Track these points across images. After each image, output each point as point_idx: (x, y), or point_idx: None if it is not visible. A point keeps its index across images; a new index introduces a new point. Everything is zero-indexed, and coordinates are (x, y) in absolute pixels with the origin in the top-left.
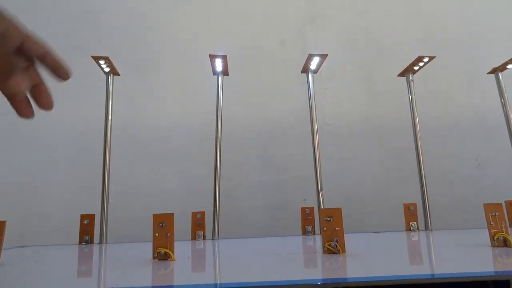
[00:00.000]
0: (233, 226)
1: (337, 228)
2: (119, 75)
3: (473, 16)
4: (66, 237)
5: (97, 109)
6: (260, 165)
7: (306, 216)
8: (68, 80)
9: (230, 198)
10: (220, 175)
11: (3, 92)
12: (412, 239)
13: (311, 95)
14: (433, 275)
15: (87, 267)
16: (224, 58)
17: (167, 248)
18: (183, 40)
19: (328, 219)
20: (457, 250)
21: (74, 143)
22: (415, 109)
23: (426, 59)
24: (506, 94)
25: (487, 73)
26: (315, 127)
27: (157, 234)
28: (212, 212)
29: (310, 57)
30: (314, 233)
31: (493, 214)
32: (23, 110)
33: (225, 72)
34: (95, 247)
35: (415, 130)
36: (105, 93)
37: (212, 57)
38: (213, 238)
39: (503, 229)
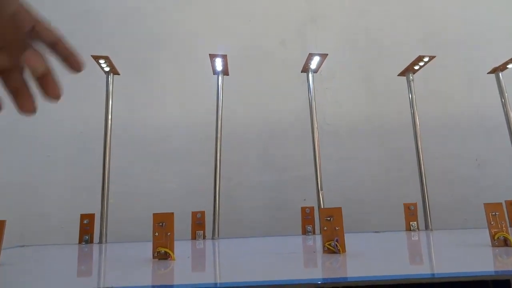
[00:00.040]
0: (233, 225)
1: (337, 228)
2: (119, 74)
3: (473, 16)
4: (66, 236)
5: (97, 109)
6: (260, 165)
7: (306, 215)
8: (68, 80)
9: (230, 198)
10: (220, 175)
11: (6, 86)
12: (412, 239)
13: (311, 94)
14: (433, 274)
15: (87, 266)
16: (224, 57)
17: (167, 248)
18: (183, 40)
19: (328, 218)
20: (457, 250)
21: (74, 143)
22: (415, 109)
23: (426, 59)
24: (506, 94)
25: (488, 73)
26: (315, 127)
27: (157, 234)
28: (212, 212)
29: (310, 56)
30: (314, 232)
31: (494, 213)
32: (25, 104)
33: (225, 72)
34: (95, 247)
35: (415, 130)
36: (105, 93)
37: (212, 57)
38: (213, 238)
39: (504, 228)
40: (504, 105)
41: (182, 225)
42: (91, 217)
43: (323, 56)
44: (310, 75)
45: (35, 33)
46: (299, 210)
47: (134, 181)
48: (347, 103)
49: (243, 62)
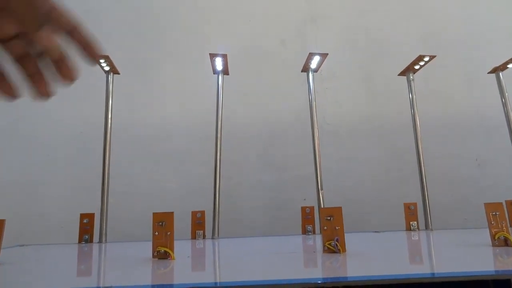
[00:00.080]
0: (233, 225)
1: (337, 227)
2: (119, 74)
3: (473, 16)
4: (66, 236)
5: (97, 108)
6: (260, 164)
7: (306, 215)
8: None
9: (230, 197)
10: (220, 175)
11: (23, 72)
12: (412, 238)
13: (311, 94)
14: (433, 274)
15: (87, 266)
16: (224, 57)
17: (167, 247)
18: (183, 40)
19: (329, 218)
20: (457, 250)
21: (74, 143)
22: (415, 109)
23: (426, 58)
24: (506, 94)
25: (488, 73)
26: (315, 126)
27: (157, 233)
28: (212, 212)
29: (310, 56)
30: (314, 232)
31: (494, 213)
32: (42, 89)
33: (225, 71)
34: (95, 246)
35: (415, 129)
36: (105, 92)
37: (212, 56)
38: (213, 237)
39: (504, 228)
40: (504, 105)
41: (182, 225)
42: (91, 216)
43: (323, 55)
44: (310, 74)
45: (53, 18)
46: (299, 209)
47: (134, 181)
48: (347, 103)
49: (243, 62)
